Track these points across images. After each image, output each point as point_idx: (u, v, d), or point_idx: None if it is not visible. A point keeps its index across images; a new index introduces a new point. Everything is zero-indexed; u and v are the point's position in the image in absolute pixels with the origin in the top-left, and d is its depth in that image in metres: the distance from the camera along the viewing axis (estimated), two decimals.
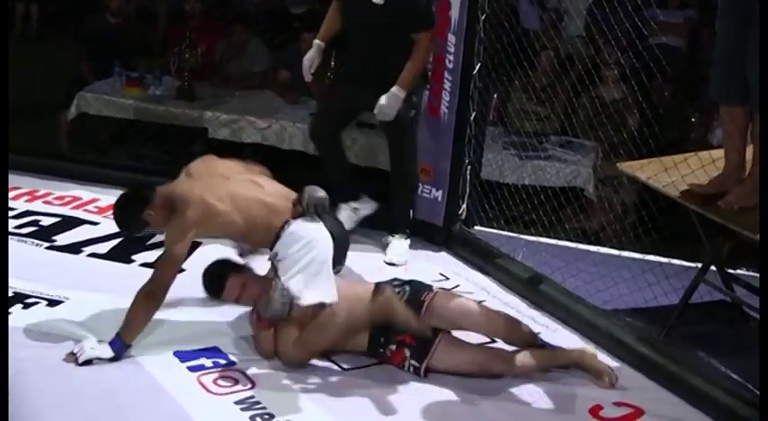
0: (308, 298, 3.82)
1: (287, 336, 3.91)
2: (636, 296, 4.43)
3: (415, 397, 3.81)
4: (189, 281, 4.49)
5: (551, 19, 6.93)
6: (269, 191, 4.26)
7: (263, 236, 4.09)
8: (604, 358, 4.16)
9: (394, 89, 4.74)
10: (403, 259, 5.05)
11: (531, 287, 4.74)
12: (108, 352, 3.84)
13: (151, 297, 3.93)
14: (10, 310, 4.19)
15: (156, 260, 4.24)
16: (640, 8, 4.73)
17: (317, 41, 5.03)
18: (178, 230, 4.00)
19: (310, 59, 5.00)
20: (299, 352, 3.92)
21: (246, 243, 4.40)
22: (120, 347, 3.85)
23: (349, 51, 5.10)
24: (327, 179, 4.78)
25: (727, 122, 3.94)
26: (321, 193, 3.94)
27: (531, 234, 5.29)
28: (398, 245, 5.11)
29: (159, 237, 5.00)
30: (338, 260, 4.01)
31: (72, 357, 3.83)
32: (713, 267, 4.27)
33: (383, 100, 4.75)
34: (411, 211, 5.26)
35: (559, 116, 6.23)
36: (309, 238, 3.84)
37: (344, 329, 3.91)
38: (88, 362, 3.81)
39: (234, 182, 4.24)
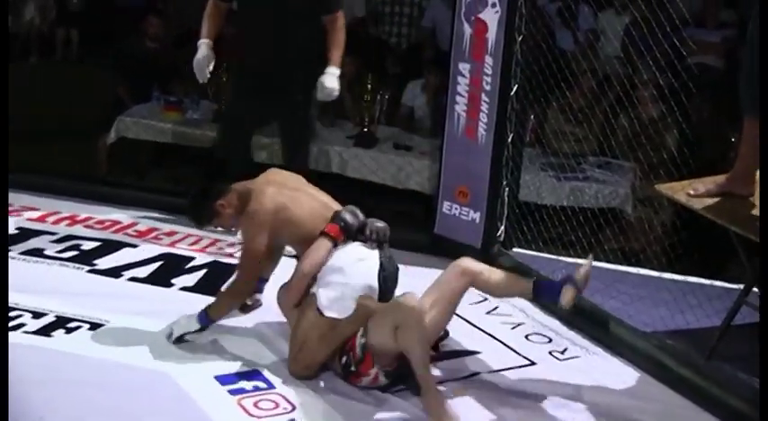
0: (328, 312, 3.90)
1: (293, 347, 4.00)
2: (677, 318, 4.40)
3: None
4: None
5: (588, 39, 6.93)
6: (329, 206, 4.24)
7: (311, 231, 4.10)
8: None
9: (331, 69, 4.88)
10: None
11: (569, 309, 4.70)
12: (195, 324, 4.12)
13: (236, 294, 4.18)
14: (52, 334, 4.23)
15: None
16: (678, 28, 4.70)
17: (206, 41, 5.09)
18: (253, 222, 4.05)
19: (206, 58, 5.06)
20: (296, 367, 3.98)
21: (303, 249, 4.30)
22: (206, 321, 4.12)
23: (250, 50, 5.11)
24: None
25: (748, 129, 3.94)
26: (382, 224, 4.01)
27: (570, 255, 5.25)
28: None
29: (200, 260, 5.07)
30: (384, 294, 4.01)
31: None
32: (756, 289, 4.23)
33: (327, 82, 4.86)
34: None
35: (597, 137, 6.21)
36: (358, 263, 3.92)
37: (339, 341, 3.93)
38: (180, 340, 4.14)
39: (302, 191, 4.26)
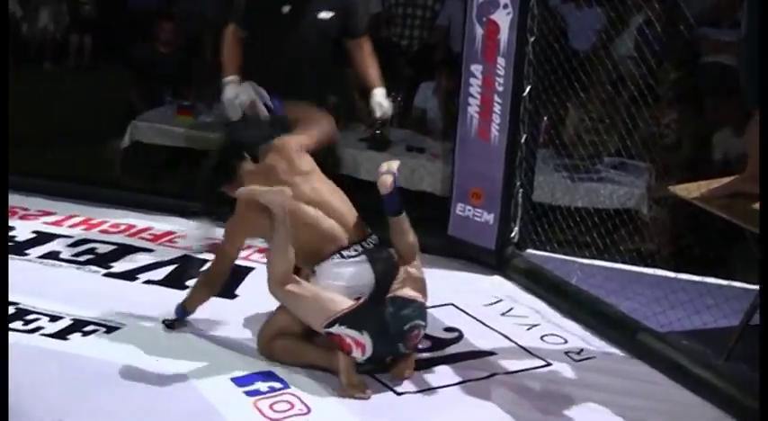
0: None
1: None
2: (694, 319, 4.37)
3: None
4: (245, 306, 4.55)
5: (601, 39, 6.91)
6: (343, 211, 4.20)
7: (311, 252, 4.08)
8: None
9: (378, 90, 4.81)
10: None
11: (585, 310, 4.70)
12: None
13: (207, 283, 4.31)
14: (69, 337, 4.24)
15: None
16: (692, 27, 4.69)
17: (233, 78, 4.77)
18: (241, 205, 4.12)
19: (237, 98, 4.69)
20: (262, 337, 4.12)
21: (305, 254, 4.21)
22: (182, 312, 4.35)
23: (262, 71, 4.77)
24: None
25: (754, 127, 3.92)
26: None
27: (585, 256, 5.24)
28: None
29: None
30: (381, 288, 4.02)
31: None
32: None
33: (383, 101, 4.81)
34: None
35: (612, 137, 6.20)
36: (349, 282, 3.98)
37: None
38: (170, 327, 4.32)
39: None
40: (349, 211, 4.16)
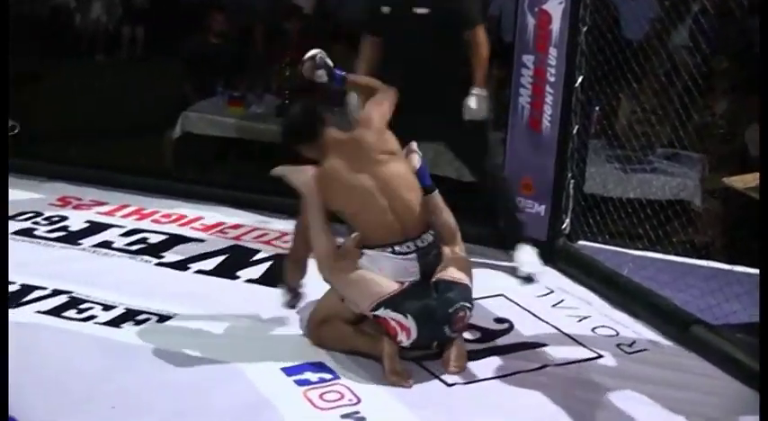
0: None
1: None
2: (750, 312, 4.31)
3: (522, 413, 3.77)
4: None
5: (655, 29, 6.82)
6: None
7: (364, 234, 4.10)
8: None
9: (476, 90, 4.74)
10: (538, 266, 4.96)
11: (637, 302, 4.66)
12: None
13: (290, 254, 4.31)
14: (122, 326, 4.28)
15: None
16: (747, 16, 4.62)
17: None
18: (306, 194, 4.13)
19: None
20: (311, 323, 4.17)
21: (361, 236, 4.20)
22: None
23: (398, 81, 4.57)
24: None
25: None
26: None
27: (638, 248, 5.19)
28: (524, 253, 5.00)
29: (266, 253, 5.09)
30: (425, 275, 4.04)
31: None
32: None
33: (472, 104, 4.74)
34: (518, 216, 5.10)
35: (665, 128, 6.13)
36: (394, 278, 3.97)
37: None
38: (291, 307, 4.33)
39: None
40: (414, 204, 4.10)
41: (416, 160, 4.14)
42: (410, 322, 3.87)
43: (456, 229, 4.16)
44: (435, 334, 3.96)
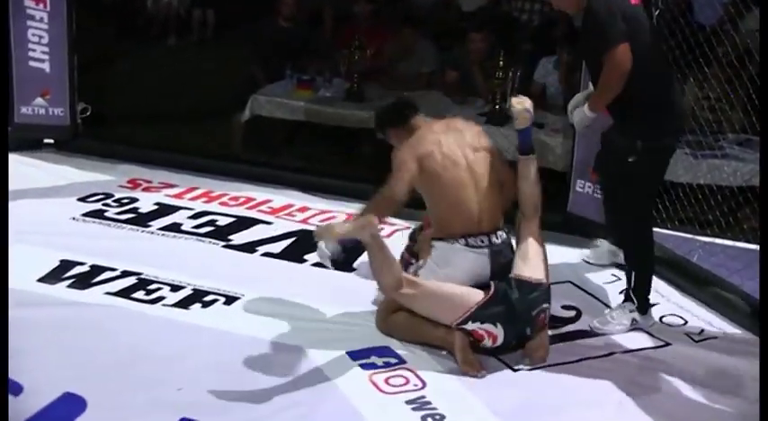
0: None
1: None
2: None
3: (587, 400, 3.75)
4: (361, 279, 4.57)
5: (729, 12, 6.70)
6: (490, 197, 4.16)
7: (440, 222, 4.10)
8: None
9: (586, 107, 4.30)
10: (612, 327, 4.33)
11: (707, 289, 4.60)
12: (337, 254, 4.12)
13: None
14: (190, 308, 4.34)
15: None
16: None
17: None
18: (397, 160, 4.11)
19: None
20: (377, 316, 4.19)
21: (436, 218, 4.20)
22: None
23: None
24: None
25: None
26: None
27: (708, 235, 5.12)
28: (617, 314, 4.38)
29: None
30: (494, 276, 4.04)
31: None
32: None
33: (576, 114, 4.38)
34: (649, 287, 4.41)
35: (738, 113, 6.02)
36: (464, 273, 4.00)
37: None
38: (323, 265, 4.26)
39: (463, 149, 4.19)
40: (494, 199, 4.12)
41: (527, 119, 4.15)
42: (498, 330, 3.89)
43: (539, 203, 4.16)
44: (518, 335, 3.97)
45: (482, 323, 3.88)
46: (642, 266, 4.39)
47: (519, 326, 3.93)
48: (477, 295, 3.90)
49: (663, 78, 4.27)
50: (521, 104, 4.17)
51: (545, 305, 3.99)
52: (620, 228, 4.55)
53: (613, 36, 4.07)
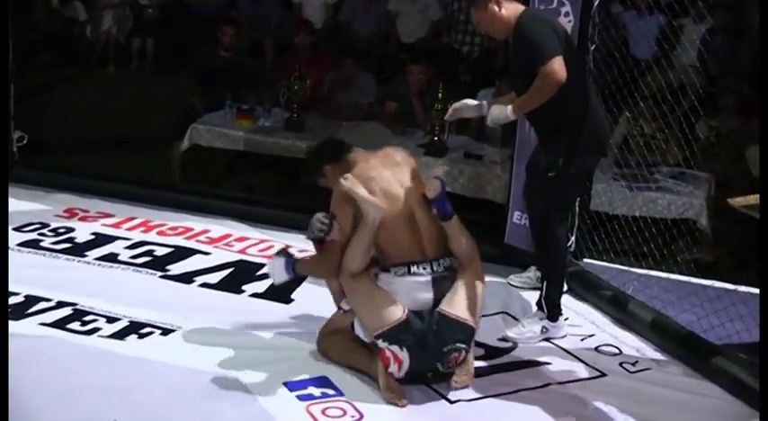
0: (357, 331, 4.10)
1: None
2: (753, 332, 4.30)
3: None
4: (300, 311, 4.57)
5: (663, 49, 6.84)
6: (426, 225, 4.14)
7: (382, 252, 4.09)
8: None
9: (509, 107, 4.38)
10: (532, 338, 4.51)
11: (641, 321, 4.65)
12: (285, 276, 4.19)
13: (318, 265, 4.21)
14: (126, 339, 4.29)
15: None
16: (756, 38, 4.61)
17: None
18: (337, 195, 4.10)
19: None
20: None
21: (379, 251, 4.17)
22: (293, 274, 4.21)
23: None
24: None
25: None
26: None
27: (642, 267, 5.19)
28: (528, 322, 4.57)
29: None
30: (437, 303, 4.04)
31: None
32: None
33: (494, 111, 4.45)
34: (557, 294, 4.57)
35: (672, 147, 6.13)
36: (405, 300, 3.97)
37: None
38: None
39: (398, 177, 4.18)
40: (435, 228, 4.11)
41: (435, 188, 4.04)
42: (404, 355, 3.88)
43: (474, 253, 4.13)
44: (427, 367, 3.98)
45: (390, 344, 3.87)
46: (550, 271, 4.57)
47: (427, 359, 3.93)
48: (398, 315, 3.91)
49: (587, 100, 4.40)
50: (435, 172, 4.17)
51: (461, 345, 3.96)
52: (530, 226, 4.69)
53: (550, 49, 4.18)
